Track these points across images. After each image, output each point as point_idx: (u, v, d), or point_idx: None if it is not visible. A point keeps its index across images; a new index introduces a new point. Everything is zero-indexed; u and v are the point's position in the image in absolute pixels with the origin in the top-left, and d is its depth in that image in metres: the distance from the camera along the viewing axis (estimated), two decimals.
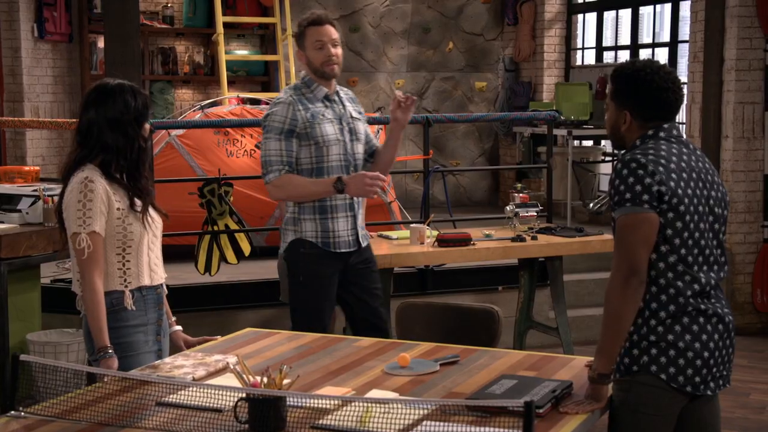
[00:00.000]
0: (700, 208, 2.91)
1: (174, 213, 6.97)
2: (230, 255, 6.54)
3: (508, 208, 5.84)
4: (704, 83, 7.78)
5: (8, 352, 5.65)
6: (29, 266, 5.75)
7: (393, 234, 5.88)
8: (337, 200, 4.36)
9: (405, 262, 5.51)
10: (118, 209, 3.37)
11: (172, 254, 6.96)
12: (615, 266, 2.85)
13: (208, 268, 6.50)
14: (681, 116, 8.78)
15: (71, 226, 3.34)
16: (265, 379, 2.65)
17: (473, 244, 5.53)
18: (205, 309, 6.55)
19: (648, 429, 2.90)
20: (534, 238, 5.68)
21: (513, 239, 5.63)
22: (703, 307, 2.90)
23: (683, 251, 2.88)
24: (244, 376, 2.72)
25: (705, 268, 2.93)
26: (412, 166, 9.77)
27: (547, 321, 6.61)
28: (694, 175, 2.92)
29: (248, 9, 10.47)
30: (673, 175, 2.86)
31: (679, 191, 2.86)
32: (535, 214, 5.85)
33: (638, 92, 2.96)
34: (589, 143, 10.26)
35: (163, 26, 10.70)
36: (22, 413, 2.80)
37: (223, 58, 9.62)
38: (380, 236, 5.88)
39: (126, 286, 3.40)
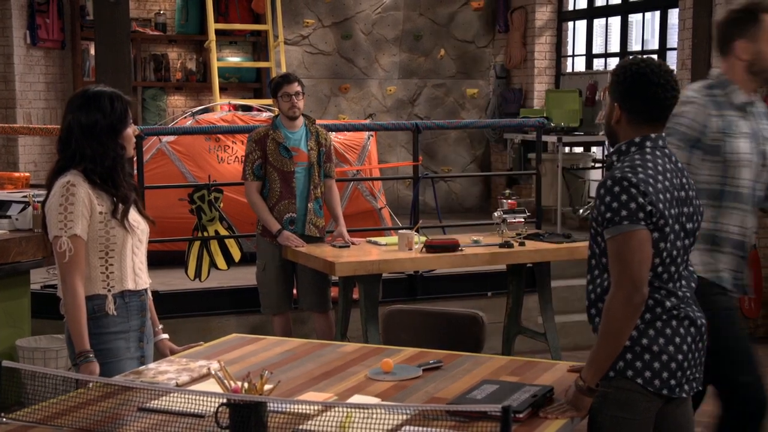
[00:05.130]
0: (677, 226, 2.91)
1: (164, 219, 7.02)
2: (220, 261, 6.55)
3: (495, 214, 5.85)
4: None
5: None
6: (19, 272, 5.75)
7: (382, 240, 5.88)
8: (728, 228, 3.62)
9: (393, 268, 5.52)
10: (100, 213, 3.36)
11: (162, 260, 7.00)
12: (616, 283, 2.82)
13: (198, 274, 6.50)
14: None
15: (53, 229, 3.33)
16: (246, 385, 2.65)
17: (461, 250, 5.52)
18: (195, 314, 6.55)
19: None
20: (522, 244, 5.69)
21: (501, 245, 5.63)
22: (675, 312, 2.91)
23: (660, 269, 2.89)
24: (226, 381, 2.71)
25: (679, 284, 2.94)
26: (403, 173, 9.78)
27: (536, 326, 6.60)
28: (676, 193, 2.91)
29: (240, 16, 10.50)
30: (661, 196, 2.84)
31: (666, 213, 2.85)
32: (523, 220, 5.86)
33: (629, 84, 2.93)
34: (579, 150, 10.27)
35: (156, 33, 10.70)
36: (4, 419, 2.79)
37: (215, 64, 9.63)
38: (369, 242, 5.89)
39: (109, 290, 3.39)
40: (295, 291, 5.99)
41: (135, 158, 6.39)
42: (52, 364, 5.74)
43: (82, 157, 3.36)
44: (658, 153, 2.95)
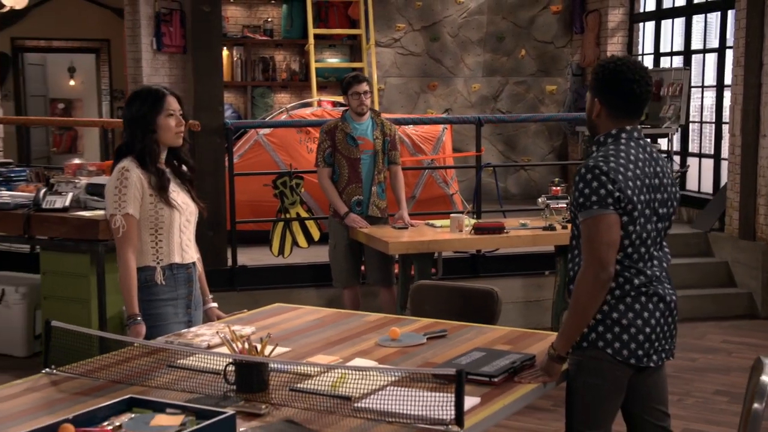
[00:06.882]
0: (647, 211, 2.86)
1: (255, 202, 7.21)
2: (301, 239, 6.69)
3: (539, 200, 5.80)
4: (744, 86, 7.53)
5: (106, 321, 5.91)
6: None
7: (437, 222, 5.90)
8: None
9: (442, 248, 5.54)
10: (150, 195, 3.50)
11: (250, 238, 7.19)
12: (586, 262, 2.82)
13: (281, 251, 6.66)
14: (725, 116, 8.51)
15: (109, 208, 3.49)
16: (247, 346, 2.74)
17: (507, 232, 5.51)
18: (279, 287, 6.70)
19: (599, 398, 2.89)
20: (564, 227, 5.63)
21: (544, 228, 5.59)
22: (644, 289, 2.87)
23: (630, 250, 2.85)
24: (233, 344, 2.81)
25: (649, 264, 2.90)
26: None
27: None
28: (647, 181, 2.88)
29: (338, 22, 10.60)
30: (630, 183, 2.82)
31: (634, 198, 2.82)
32: (565, 205, 5.79)
33: (607, 81, 2.91)
34: None
35: (264, 38, 10.91)
36: (54, 371, 2.95)
37: (313, 65, 9.78)
38: (426, 224, 5.92)
39: (158, 263, 3.53)
40: (363, 267, 6.06)
41: (226, 147, 6.58)
42: None
43: (129, 144, 3.51)
44: (632, 144, 2.92)
